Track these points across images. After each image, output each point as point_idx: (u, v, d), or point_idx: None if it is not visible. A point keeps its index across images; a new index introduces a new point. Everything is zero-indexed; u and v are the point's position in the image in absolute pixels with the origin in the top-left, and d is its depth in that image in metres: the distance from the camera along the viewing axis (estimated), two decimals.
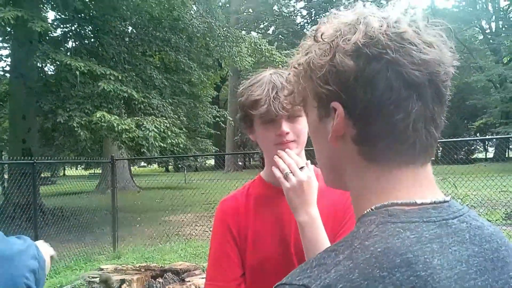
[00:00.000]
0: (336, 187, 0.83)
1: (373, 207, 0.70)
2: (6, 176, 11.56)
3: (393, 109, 0.67)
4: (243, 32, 23.29)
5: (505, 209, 9.94)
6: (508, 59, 38.01)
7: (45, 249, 1.32)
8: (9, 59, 15.70)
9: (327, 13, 0.78)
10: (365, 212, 0.71)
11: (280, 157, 1.40)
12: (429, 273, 0.60)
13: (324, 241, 1.29)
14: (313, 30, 0.77)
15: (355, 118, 0.70)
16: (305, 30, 41.78)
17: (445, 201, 0.71)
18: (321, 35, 0.73)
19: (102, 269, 6.35)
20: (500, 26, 41.43)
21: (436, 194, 0.71)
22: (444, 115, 0.72)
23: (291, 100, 0.85)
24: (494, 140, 28.62)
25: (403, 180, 0.70)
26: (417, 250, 0.61)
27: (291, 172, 1.35)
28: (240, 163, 39.94)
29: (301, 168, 1.36)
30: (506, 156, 33.70)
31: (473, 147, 41.18)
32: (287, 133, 1.42)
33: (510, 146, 36.68)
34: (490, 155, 41.46)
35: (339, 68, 0.69)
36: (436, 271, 0.60)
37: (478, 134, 40.06)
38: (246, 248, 1.50)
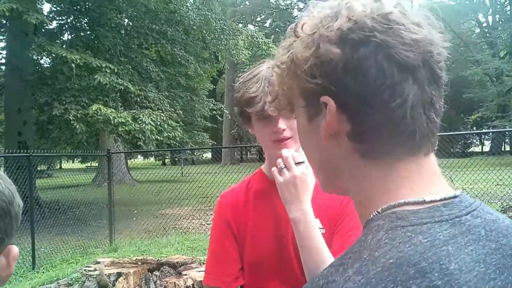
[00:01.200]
0: (335, 192, 0.78)
1: (379, 210, 0.65)
2: (2, 169, 11.52)
3: (388, 95, 0.62)
4: (240, 25, 23.25)
5: (501, 203, 9.97)
6: (504, 52, 38.01)
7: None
8: (4, 52, 15.66)
9: (313, 5, 0.74)
10: (371, 216, 0.65)
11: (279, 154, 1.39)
12: (446, 281, 0.55)
13: (317, 238, 1.28)
14: (292, 26, 0.72)
15: (349, 111, 0.65)
16: None
17: (455, 196, 0.66)
18: (302, 28, 0.69)
19: (98, 262, 6.34)
20: (497, 20, 41.42)
21: (445, 189, 0.67)
22: (442, 100, 0.67)
23: (276, 106, 0.79)
24: (490, 133, 28.69)
25: (407, 175, 0.66)
26: (432, 256, 0.56)
27: (286, 167, 1.34)
28: (237, 156, 39.98)
29: (298, 163, 1.35)
30: (502, 149, 33.85)
31: (469, 141, 41.29)
32: (284, 129, 1.41)
33: (506, 140, 36.86)
34: (486, 148, 41.67)
35: (325, 58, 0.64)
36: (453, 277, 0.56)
37: (474, 128, 40.17)
38: (244, 244, 1.50)
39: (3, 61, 15.64)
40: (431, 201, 0.63)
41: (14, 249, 0.93)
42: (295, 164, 1.35)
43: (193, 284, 5.38)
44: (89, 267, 6.27)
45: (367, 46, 0.63)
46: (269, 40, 21.10)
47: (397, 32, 0.63)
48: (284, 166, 1.35)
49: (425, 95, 0.64)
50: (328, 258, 1.26)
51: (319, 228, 1.36)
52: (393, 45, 0.62)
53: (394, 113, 0.63)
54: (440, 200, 0.64)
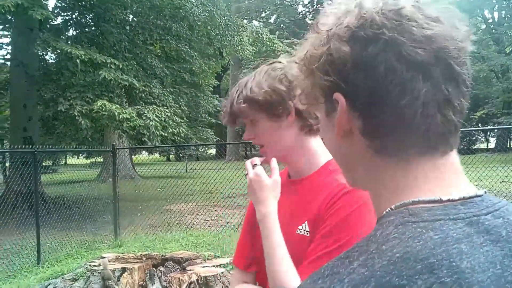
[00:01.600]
0: (355, 187, 0.77)
1: (392, 207, 0.64)
2: (7, 165, 11.58)
3: (397, 93, 0.61)
4: (245, 21, 23.22)
5: (506, 200, 9.94)
6: (510, 49, 37.79)
7: None
8: (9, 47, 15.69)
9: (329, 2, 0.74)
10: (384, 212, 0.65)
11: None
12: (455, 279, 0.52)
13: (276, 241, 1.30)
14: (312, 22, 0.72)
15: (359, 108, 0.65)
16: (306, 19, 41.64)
17: (477, 196, 0.63)
18: (318, 24, 0.69)
19: (103, 257, 6.36)
20: (503, 16, 41.12)
21: (465, 188, 0.65)
22: (465, 97, 0.65)
23: (302, 100, 0.79)
24: (495, 130, 28.58)
25: (421, 175, 0.64)
26: (441, 252, 0.54)
27: (247, 173, 1.40)
28: (242, 153, 39.97)
29: (254, 165, 1.39)
30: (508, 146, 33.69)
31: (474, 138, 41.12)
32: (250, 138, 1.47)
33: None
34: (492, 145, 41.44)
35: (335, 56, 0.65)
36: (464, 276, 0.53)
37: (479, 125, 39.91)
38: (257, 237, 1.53)
39: (8, 57, 15.68)
40: (448, 200, 0.62)
41: None
42: (252, 166, 1.39)
43: (197, 280, 5.39)
44: (94, 262, 6.30)
45: (376, 43, 0.62)
46: (273, 36, 21.08)
47: (408, 29, 0.62)
48: (246, 172, 1.41)
49: (440, 93, 0.62)
50: (284, 263, 1.28)
51: (306, 231, 1.35)
52: (401, 42, 0.61)
53: (405, 111, 0.62)
54: (459, 199, 0.62)
